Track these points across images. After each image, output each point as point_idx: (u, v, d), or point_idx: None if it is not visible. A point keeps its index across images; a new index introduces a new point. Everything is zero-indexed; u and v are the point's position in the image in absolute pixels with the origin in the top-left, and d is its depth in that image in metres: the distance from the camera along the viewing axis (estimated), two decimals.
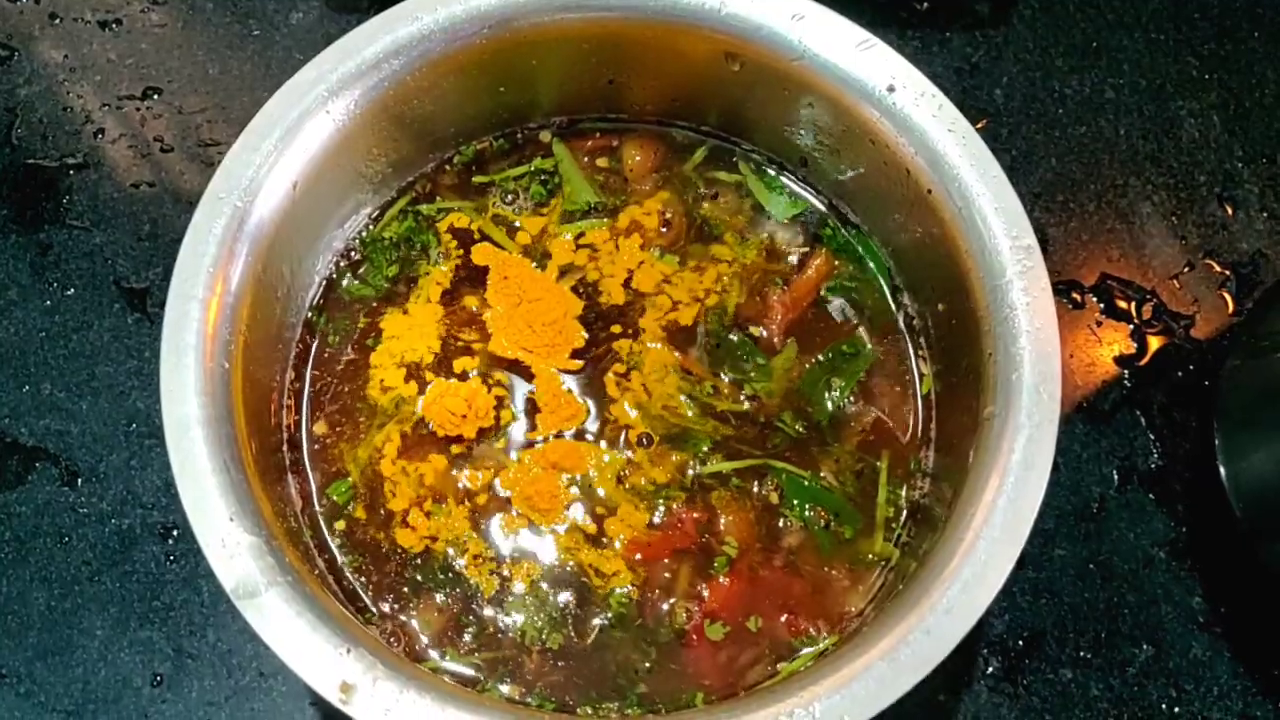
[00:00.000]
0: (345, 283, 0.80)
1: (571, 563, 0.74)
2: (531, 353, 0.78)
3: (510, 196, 0.83)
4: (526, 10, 0.75)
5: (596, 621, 0.73)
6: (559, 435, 0.77)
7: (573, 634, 0.73)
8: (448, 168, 0.84)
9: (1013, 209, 0.70)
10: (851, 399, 0.78)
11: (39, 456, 0.88)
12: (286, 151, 0.72)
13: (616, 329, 0.79)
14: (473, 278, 0.81)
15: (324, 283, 0.80)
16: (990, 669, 0.83)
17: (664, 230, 0.82)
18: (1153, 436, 0.89)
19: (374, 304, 0.80)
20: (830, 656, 0.66)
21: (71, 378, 0.90)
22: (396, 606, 0.73)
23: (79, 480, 0.87)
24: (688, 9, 0.75)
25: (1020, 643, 0.84)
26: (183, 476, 0.64)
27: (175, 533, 0.86)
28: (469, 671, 0.72)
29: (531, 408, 0.77)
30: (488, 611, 0.73)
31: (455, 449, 0.76)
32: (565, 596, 0.73)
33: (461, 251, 0.81)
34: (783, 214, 0.83)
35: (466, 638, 0.73)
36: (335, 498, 0.75)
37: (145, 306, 0.92)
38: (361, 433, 0.77)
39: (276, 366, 0.76)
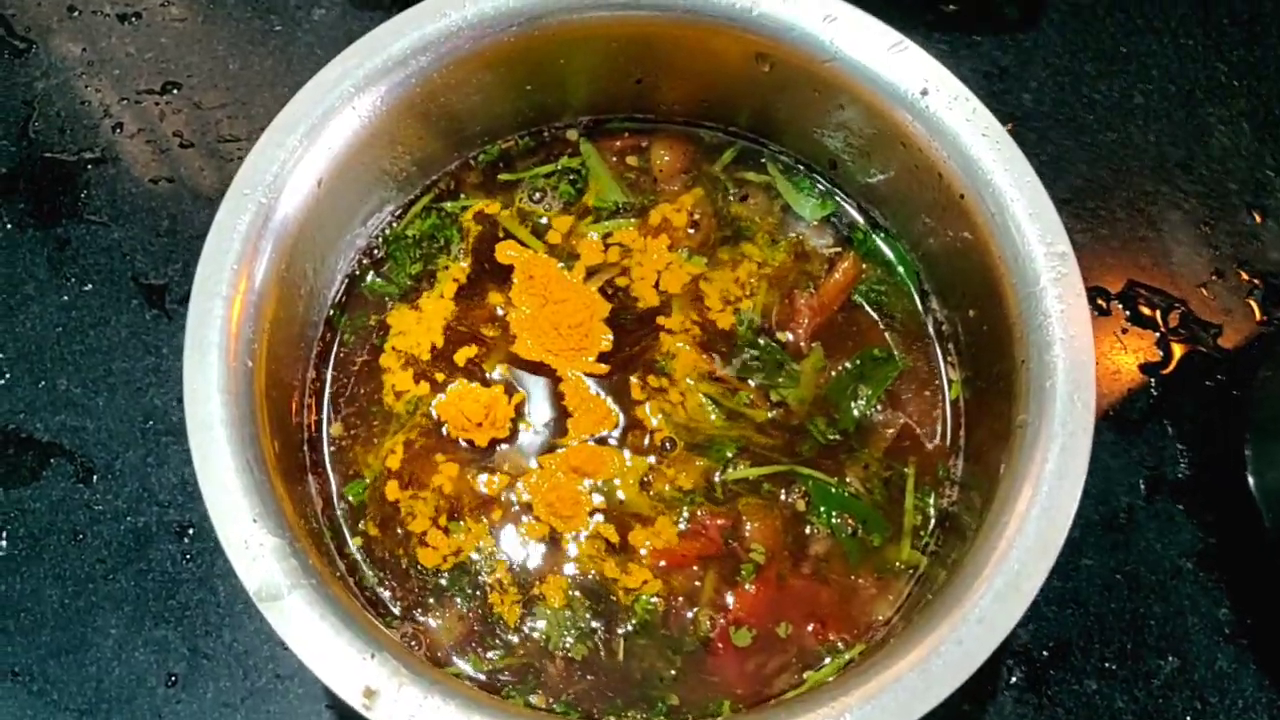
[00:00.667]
0: (368, 280, 0.80)
1: (594, 570, 0.73)
2: (557, 356, 0.77)
3: (537, 195, 0.82)
4: (555, 8, 0.74)
5: (621, 630, 0.72)
6: (585, 440, 0.76)
7: (597, 642, 0.72)
8: (473, 165, 0.83)
9: (1047, 215, 0.69)
10: (879, 406, 0.77)
11: (54, 453, 0.87)
12: (312, 148, 0.71)
13: (644, 331, 0.79)
14: (495, 274, 0.80)
15: (346, 280, 0.79)
16: (1015, 679, 0.82)
17: (692, 231, 0.81)
18: (1181, 446, 0.88)
19: (396, 302, 0.79)
20: (859, 666, 0.65)
21: (88, 374, 0.89)
22: (419, 611, 0.72)
23: (94, 477, 0.86)
24: (719, 9, 0.74)
25: (1045, 653, 0.83)
26: (205, 476, 0.63)
27: (191, 531, 0.85)
28: (492, 676, 0.71)
29: (559, 412, 0.76)
30: (511, 618, 0.72)
31: (473, 453, 0.76)
32: (589, 604, 0.73)
33: (483, 246, 0.80)
34: (812, 216, 0.82)
35: (489, 645, 0.72)
36: (351, 498, 0.74)
37: (163, 303, 0.91)
38: (375, 437, 0.76)
39: (299, 365, 0.75)
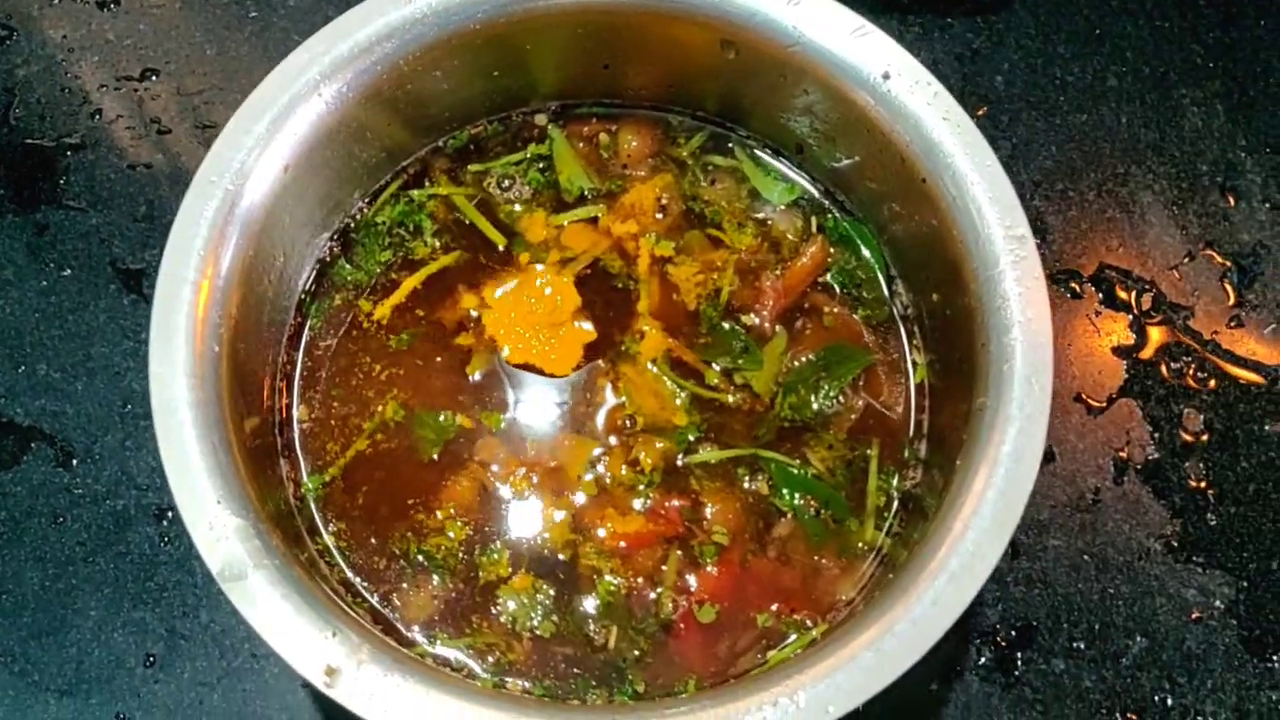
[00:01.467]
0: (337, 267, 0.80)
1: (561, 553, 0.74)
2: (542, 359, 0.78)
3: (506, 182, 0.83)
4: None
5: (585, 610, 0.73)
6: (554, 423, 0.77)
7: (562, 622, 0.73)
8: (442, 151, 0.84)
9: (1007, 199, 0.70)
10: (844, 393, 0.78)
11: (34, 437, 0.88)
12: (278, 135, 0.71)
13: (612, 315, 0.79)
14: (466, 273, 0.81)
15: (317, 266, 0.80)
16: (982, 659, 0.83)
17: (660, 215, 0.82)
18: (1150, 429, 0.89)
19: (366, 289, 0.80)
20: (817, 645, 0.66)
21: (67, 358, 0.90)
22: (386, 590, 0.73)
23: (74, 461, 0.87)
24: None
25: (1013, 633, 0.84)
26: (170, 459, 0.64)
27: (169, 514, 0.86)
28: (458, 656, 0.72)
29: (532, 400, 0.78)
30: (477, 599, 0.73)
31: (441, 438, 0.77)
32: (554, 585, 0.73)
33: (452, 242, 0.81)
34: (779, 200, 0.83)
35: (456, 624, 0.73)
36: (320, 480, 0.75)
37: (141, 288, 0.92)
38: (346, 419, 0.77)
39: (269, 350, 0.76)
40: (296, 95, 0.72)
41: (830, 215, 0.82)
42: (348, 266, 0.80)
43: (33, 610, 0.84)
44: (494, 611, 0.73)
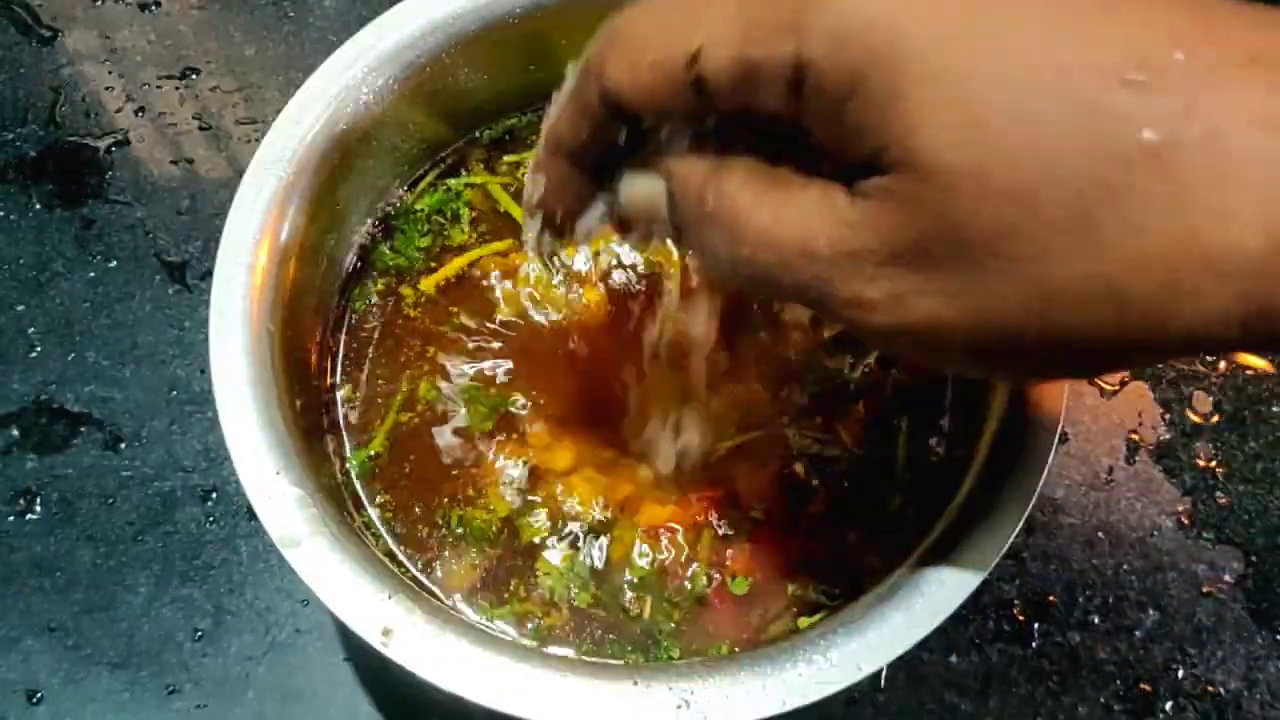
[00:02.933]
0: (378, 252, 0.83)
1: (599, 531, 0.77)
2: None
3: None
4: None
5: (621, 583, 0.76)
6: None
7: (600, 593, 0.76)
8: (478, 142, 0.87)
9: None
10: (870, 364, 0.81)
11: (84, 422, 0.91)
12: (329, 125, 0.75)
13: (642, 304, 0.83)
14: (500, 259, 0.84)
15: (359, 251, 0.83)
16: (1001, 631, 0.86)
17: None
18: (1160, 410, 0.92)
19: (408, 273, 0.83)
20: (847, 610, 0.69)
21: (114, 346, 0.93)
22: (429, 559, 0.76)
23: (122, 444, 0.90)
24: None
25: (1030, 607, 0.87)
26: (232, 433, 0.67)
27: (214, 495, 0.89)
28: (499, 624, 0.75)
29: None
30: (517, 568, 0.76)
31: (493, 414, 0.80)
32: (592, 558, 0.76)
33: (488, 232, 0.84)
34: None
35: (496, 592, 0.76)
36: (364, 456, 0.78)
37: (185, 278, 0.95)
38: (385, 398, 0.80)
39: (317, 330, 0.79)
40: (345, 88, 0.75)
41: None
42: (388, 252, 0.83)
43: (85, 587, 0.87)
44: (533, 582, 0.76)
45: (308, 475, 0.68)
